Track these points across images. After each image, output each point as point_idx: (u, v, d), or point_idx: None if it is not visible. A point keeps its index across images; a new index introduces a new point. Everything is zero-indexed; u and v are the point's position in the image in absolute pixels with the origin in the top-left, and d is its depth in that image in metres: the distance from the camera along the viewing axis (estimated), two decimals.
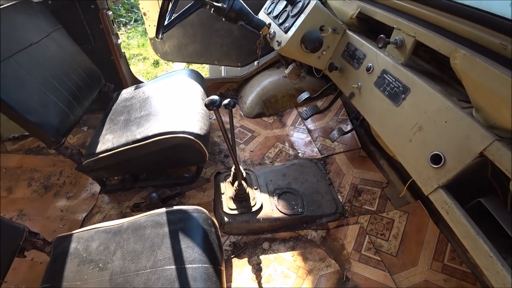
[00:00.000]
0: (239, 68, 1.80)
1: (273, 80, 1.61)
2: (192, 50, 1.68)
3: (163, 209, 0.75)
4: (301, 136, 1.45)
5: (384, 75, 0.74)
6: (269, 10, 1.18)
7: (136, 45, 2.77)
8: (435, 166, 0.59)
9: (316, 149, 1.36)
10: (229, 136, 0.89)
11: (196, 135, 0.98)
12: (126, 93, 1.31)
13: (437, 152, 0.59)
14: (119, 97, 1.29)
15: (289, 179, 1.19)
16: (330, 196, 1.15)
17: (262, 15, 1.23)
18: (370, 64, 0.80)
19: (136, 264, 0.66)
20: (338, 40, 0.94)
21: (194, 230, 0.71)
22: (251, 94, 1.63)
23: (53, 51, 1.09)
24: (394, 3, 0.75)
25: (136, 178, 1.22)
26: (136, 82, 1.68)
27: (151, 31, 1.61)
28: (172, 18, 0.97)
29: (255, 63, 1.72)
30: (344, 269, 0.99)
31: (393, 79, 0.71)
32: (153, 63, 2.63)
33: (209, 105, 0.73)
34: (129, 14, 3.24)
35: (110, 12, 1.39)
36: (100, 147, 1.01)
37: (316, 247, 1.06)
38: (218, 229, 0.78)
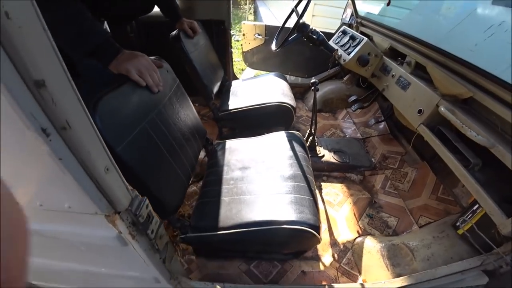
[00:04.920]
0: (304, 78, 2.92)
1: (331, 87, 2.68)
2: (272, 62, 2.81)
3: (282, 131, 1.74)
4: (348, 126, 2.46)
5: (400, 78, 1.75)
6: (336, 41, 2.28)
7: None
8: (419, 114, 1.56)
9: (359, 134, 2.35)
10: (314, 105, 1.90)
11: (291, 105, 2.00)
12: (236, 83, 2.42)
13: (420, 108, 1.56)
14: (232, 85, 2.39)
15: (340, 145, 2.17)
16: (366, 158, 2.11)
17: (332, 44, 2.32)
18: (394, 73, 1.81)
19: (270, 149, 1.62)
20: (378, 61, 1.98)
21: (298, 140, 1.67)
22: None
23: (207, 49, 2.20)
24: (407, 42, 1.80)
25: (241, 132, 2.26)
26: (236, 78, 2.81)
27: (246, 47, 2.79)
28: (285, 41, 2.08)
29: (327, 72, 2.84)
30: (373, 197, 1.90)
31: (404, 79, 1.72)
32: None
33: (313, 84, 1.75)
34: None
35: (232, 31, 2.56)
36: (231, 106, 2.05)
37: (356, 184, 1.98)
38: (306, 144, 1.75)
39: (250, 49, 2.83)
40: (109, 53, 1.01)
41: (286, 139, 1.67)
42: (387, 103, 2.26)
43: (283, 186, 1.35)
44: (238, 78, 2.74)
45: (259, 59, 2.86)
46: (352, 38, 2.08)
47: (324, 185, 1.94)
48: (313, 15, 4.30)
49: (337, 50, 2.14)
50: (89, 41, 0.98)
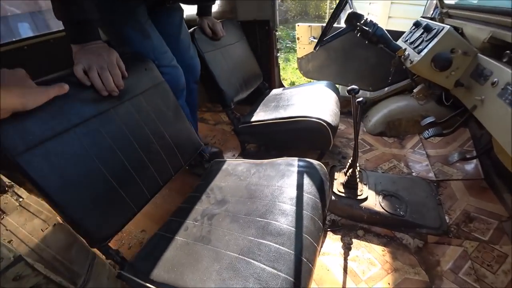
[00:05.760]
0: (368, 93, 2.24)
1: (400, 105, 1.94)
2: (330, 71, 2.25)
3: (296, 158, 1.19)
4: (418, 159, 1.68)
5: (507, 87, 0.98)
6: (406, 39, 1.59)
7: None
8: None
9: (432, 173, 1.56)
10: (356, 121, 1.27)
11: (328, 123, 1.41)
12: (276, 91, 1.98)
13: None
14: (270, 93, 1.96)
15: (397, 187, 1.45)
16: (436, 213, 1.33)
17: (400, 43, 1.63)
18: (496, 79, 1.03)
19: (268, 182, 1.09)
20: (468, 62, 1.22)
21: (315, 175, 1.10)
22: (377, 114, 2.02)
23: (238, 51, 1.85)
24: None
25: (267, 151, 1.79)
26: (282, 86, 2.37)
27: (301, 52, 2.31)
28: (328, 36, 1.52)
29: (385, 89, 2.12)
30: (434, 284, 1.14)
31: None
32: (289, 84, 3.47)
33: (350, 91, 1.16)
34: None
35: (277, 33, 2.12)
36: (254, 118, 1.60)
37: (408, 253, 1.24)
38: (331, 183, 1.15)
39: (305, 55, 2.33)
40: (77, 37, 0.88)
41: (296, 169, 1.12)
42: (484, 131, 1.43)
43: (256, 246, 0.85)
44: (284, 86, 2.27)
45: (315, 67, 2.32)
46: (426, 29, 1.38)
47: (356, 244, 1.28)
48: (389, 17, 3.50)
49: (404, 49, 1.46)
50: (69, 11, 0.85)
